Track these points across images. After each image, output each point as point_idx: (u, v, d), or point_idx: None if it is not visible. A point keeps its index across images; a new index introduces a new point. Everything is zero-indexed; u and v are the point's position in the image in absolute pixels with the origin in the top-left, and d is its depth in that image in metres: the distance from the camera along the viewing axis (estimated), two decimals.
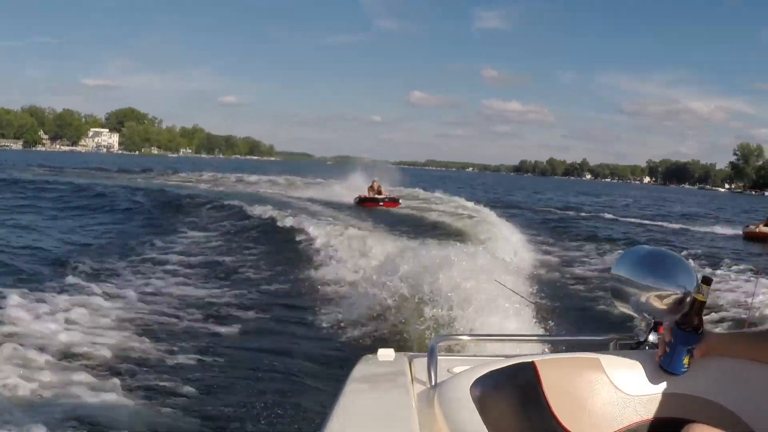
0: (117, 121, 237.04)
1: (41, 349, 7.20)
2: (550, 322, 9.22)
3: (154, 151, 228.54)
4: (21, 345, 7.27)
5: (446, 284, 9.42)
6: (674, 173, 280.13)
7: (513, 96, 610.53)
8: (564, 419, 2.08)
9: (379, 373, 2.14)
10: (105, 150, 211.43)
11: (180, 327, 8.51)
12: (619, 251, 12.79)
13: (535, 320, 9.15)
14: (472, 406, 1.71)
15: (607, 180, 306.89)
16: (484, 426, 1.60)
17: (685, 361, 2.07)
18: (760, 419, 2.00)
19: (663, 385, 2.12)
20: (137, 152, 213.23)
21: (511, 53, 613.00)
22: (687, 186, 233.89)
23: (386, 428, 1.64)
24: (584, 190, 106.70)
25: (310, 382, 6.77)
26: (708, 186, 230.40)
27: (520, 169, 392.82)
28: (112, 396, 5.98)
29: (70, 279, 11.20)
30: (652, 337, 2.33)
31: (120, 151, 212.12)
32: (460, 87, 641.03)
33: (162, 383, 6.39)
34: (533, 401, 2.07)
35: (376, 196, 28.98)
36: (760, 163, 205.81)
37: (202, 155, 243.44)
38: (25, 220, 20.85)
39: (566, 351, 2.29)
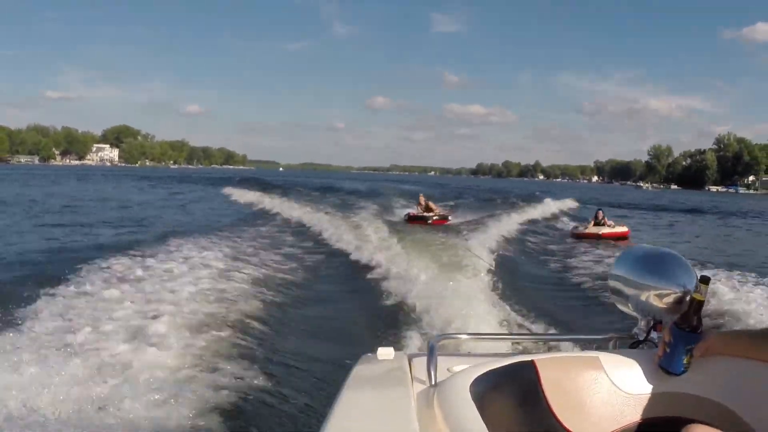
0: (114, 137, 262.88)
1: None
2: (548, 319, 9.19)
3: (148, 163, 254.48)
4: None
5: (444, 285, 9.80)
6: (619, 172, 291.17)
7: (474, 99, 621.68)
8: (563, 418, 2.08)
9: (378, 372, 2.15)
10: (109, 163, 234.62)
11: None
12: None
13: (501, 299, 9.89)
14: (472, 404, 1.71)
15: (557, 180, 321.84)
16: (484, 424, 1.60)
17: (685, 360, 2.06)
18: (760, 418, 1.98)
19: (662, 384, 2.11)
20: (137, 164, 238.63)
21: (471, 56, 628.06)
22: (619, 184, 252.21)
23: (386, 427, 1.63)
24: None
25: (309, 381, 6.59)
26: (629, 182, 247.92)
27: (477, 171, 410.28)
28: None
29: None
30: (651, 337, 2.32)
31: (122, 164, 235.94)
32: (422, 91, 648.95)
33: (148, 377, 5.94)
34: (533, 400, 2.07)
35: (425, 213, 27.38)
36: (670, 161, 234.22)
37: (188, 165, 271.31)
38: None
39: (566, 350, 2.45)
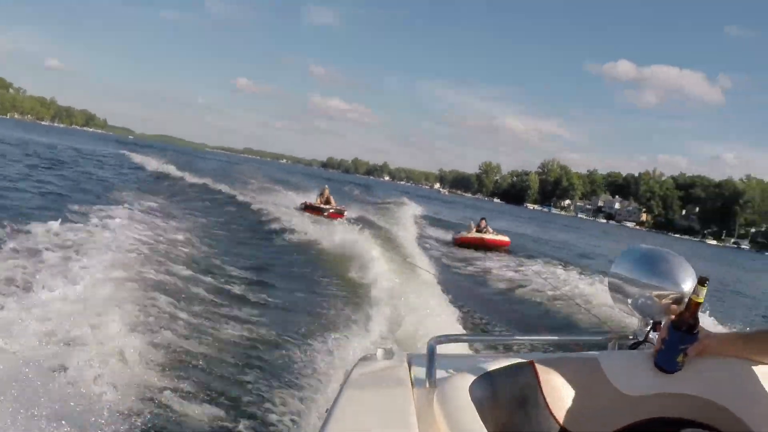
0: None
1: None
2: (547, 321, 8.91)
3: (17, 116, 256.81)
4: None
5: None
6: (459, 183, 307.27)
7: (337, 93, 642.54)
8: (562, 419, 2.09)
9: (378, 373, 2.12)
10: None
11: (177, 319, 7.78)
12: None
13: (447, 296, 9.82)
14: (471, 405, 1.71)
15: (402, 182, 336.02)
16: (483, 426, 1.60)
17: (680, 359, 2.07)
18: (757, 418, 1.99)
19: (661, 385, 2.10)
20: (6, 116, 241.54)
21: (340, 52, 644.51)
22: (459, 193, 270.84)
23: (385, 428, 1.63)
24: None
25: (309, 382, 6.49)
26: (458, 191, 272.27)
27: (327, 165, 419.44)
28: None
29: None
30: (651, 337, 2.29)
31: None
32: (287, 79, 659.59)
33: (148, 376, 5.89)
34: (532, 401, 2.08)
35: (323, 205, 27.24)
36: (497, 178, 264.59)
37: (52, 123, 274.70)
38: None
39: (565, 351, 2.36)
